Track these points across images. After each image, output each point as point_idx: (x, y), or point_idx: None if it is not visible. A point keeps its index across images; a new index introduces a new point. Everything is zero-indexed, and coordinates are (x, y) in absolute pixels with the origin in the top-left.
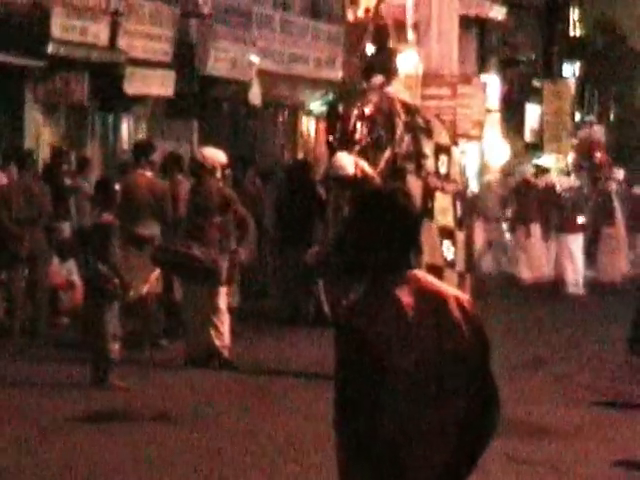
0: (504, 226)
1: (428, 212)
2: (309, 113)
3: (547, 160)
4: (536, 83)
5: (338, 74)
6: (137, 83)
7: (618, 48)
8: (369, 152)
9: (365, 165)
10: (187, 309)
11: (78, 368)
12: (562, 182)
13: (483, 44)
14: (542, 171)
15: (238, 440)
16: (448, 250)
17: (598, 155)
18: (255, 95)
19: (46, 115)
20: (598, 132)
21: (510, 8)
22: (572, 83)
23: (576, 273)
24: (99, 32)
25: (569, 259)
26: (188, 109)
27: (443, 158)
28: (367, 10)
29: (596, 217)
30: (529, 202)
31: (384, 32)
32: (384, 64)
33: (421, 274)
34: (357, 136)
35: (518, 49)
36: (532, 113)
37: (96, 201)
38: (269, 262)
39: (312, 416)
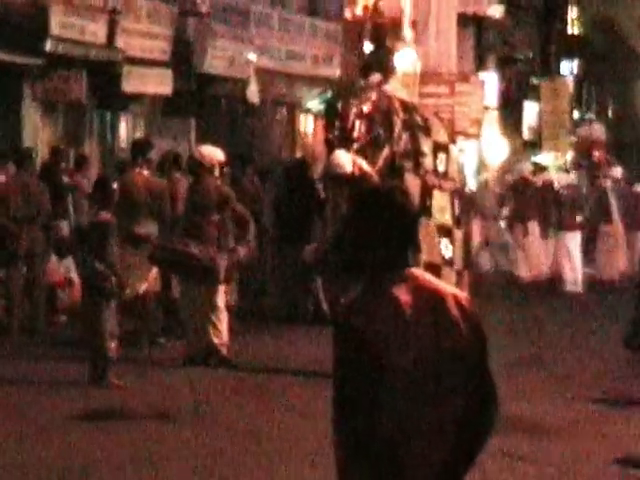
0: (502, 224)
1: (426, 210)
2: (307, 111)
3: (545, 158)
4: (534, 81)
5: (336, 72)
6: (135, 81)
7: (616, 46)
8: (367, 150)
9: (363, 163)
10: (185, 307)
11: (76, 366)
12: (560, 180)
13: (481, 42)
14: (540, 169)
15: (237, 438)
16: (446, 248)
17: (597, 153)
18: (253, 93)
19: (44, 113)
20: (598, 130)
21: (508, 6)
22: (570, 81)
23: (574, 271)
24: (97, 30)
25: (567, 257)
26: (186, 107)
27: (441, 156)
28: (365, 8)
29: (594, 215)
30: (527, 200)
31: (382, 30)
32: (382, 62)
33: (419, 272)
34: (356, 134)
35: (516, 47)
36: (530, 111)
37: (94, 199)
38: (267, 260)
39: (310, 414)
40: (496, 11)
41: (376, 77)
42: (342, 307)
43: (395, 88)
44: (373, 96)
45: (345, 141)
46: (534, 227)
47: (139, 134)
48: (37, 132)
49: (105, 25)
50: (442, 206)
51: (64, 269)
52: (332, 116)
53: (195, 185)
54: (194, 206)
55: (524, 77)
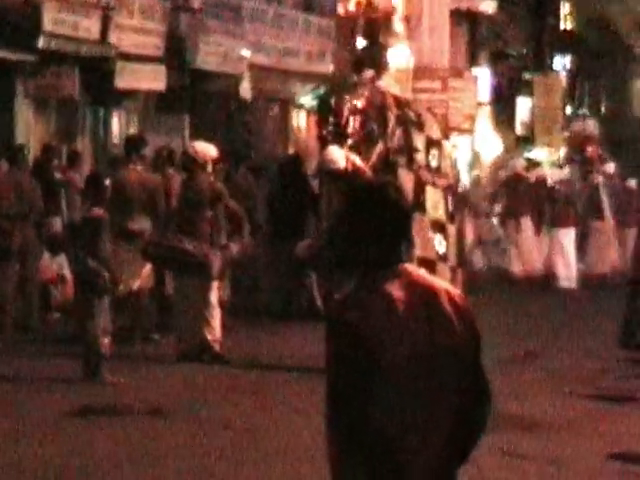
0: (494, 221)
1: (420, 206)
2: (300, 107)
3: (538, 153)
4: (527, 76)
5: (329, 68)
6: (128, 77)
7: (609, 42)
8: (361, 146)
9: (356, 159)
10: (179, 303)
11: (70, 363)
12: (553, 175)
13: (474, 37)
14: (534, 165)
15: (231, 434)
16: (440, 244)
17: (590, 149)
18: (246, 89)
19: (37, 109)
20: (591, 126)
21: (501, 2)
22: (563, 77)
23: (568, 267)
24: (90, 26)
25: (560, 253)
26: (179, 103)
27: (434, 152)
28: (358, 4)
29: (585, 211)
30: (520, 196)
31: (375, 26)
32: (375, 58)
33: (412, 268)
34: (349, 130)
35: (509, 43)
36: (523, 107)
37: (86, 195)
38: (260, 256)
39: (305, 410)
40: (489, 6)
41: (369, 73)
42: (336, 302)
43: (388, 84)
44: (366, 92)
45: (339, 137)
46: (527, 223)
47: (132, 130)
48: (30, 129)
49: (98, 21)
50: (435, 202)
51: (57, 266)
52: (325, 112)
53: (188, 181)
54: (187, 202)
55: (517, 72)
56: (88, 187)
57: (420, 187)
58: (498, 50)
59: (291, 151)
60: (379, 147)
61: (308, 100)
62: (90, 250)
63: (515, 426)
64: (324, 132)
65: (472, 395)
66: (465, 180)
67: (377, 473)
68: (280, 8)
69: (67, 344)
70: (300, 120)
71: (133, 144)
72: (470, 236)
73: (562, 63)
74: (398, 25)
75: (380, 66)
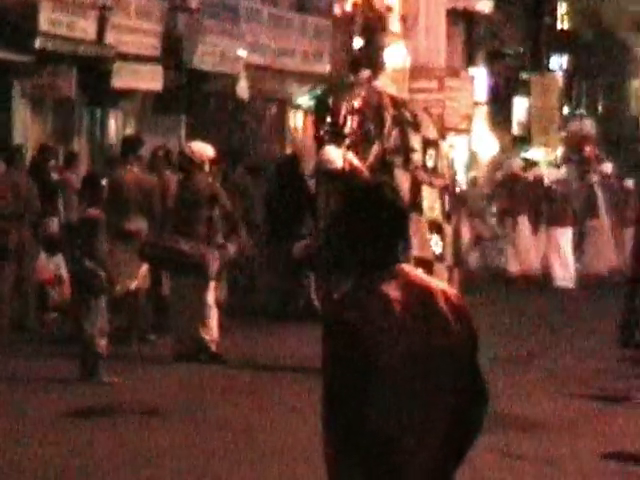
0: (491, 221)
1: (417, 206)
2: (297, 107)
3: (535, 153)
4: (524, 76)
5: (326, 68)
6: (125, 78)
7: (606, 41)
8: (359, 146)
9: (353, 159)
10: (175, 304)
11: (67, 363)
12: (550, 175)
13: (470, 37)
14: (531, 164)
15: (227, 434)
16: (436, 244)
17: (587, 149)
18: (243, 89)
19: (34, 110)
20: (588, 125)
21: (497, 1)
22: (560, 76)
23: (565, 267)
24: (87, 27)
25: (557, 253)
26: (176, 103)
27: (430, 152)
28: (355, 4)
29: (582, 210)
30: (517, 196)
31: (372, 26)
32: (371, 58)
33: (409, 268)
34: (347, 130)
35: (505, 42)
36: (520, 106)
37: (83, 196)
38: (257, 256)
39: (301, 410)
40: (485, 6)
41: (366, 73)
42: (333, 303)
43: (385, 84)
44: (363, 92)
45: (336, 137)
46: (524, 223)
47: (129, 130)
48: (27, 129)
49: (95, 21)
50: (432, 202)
51: (54, 266)
52: (322, 112)
53: (185, 181)
54: (184, 202)
55: (514, 72)
56: (85, 187)
57: (417, 187)
58: (495, 50)
59: (288, 151)
60: (376, 147)
61: (305, 100)
62: (87, 250)
63: (512, 426)
64: (321, 132)
65: (469, 395)
66: (462, 180)
67: (374, 473)
68: (274, 8)
69: (64, 344)
70: (297, 120)
71: (130, 144)
72: (467, 236)
73: (559, 63)
74: (395, 25)
75: (377, 66)
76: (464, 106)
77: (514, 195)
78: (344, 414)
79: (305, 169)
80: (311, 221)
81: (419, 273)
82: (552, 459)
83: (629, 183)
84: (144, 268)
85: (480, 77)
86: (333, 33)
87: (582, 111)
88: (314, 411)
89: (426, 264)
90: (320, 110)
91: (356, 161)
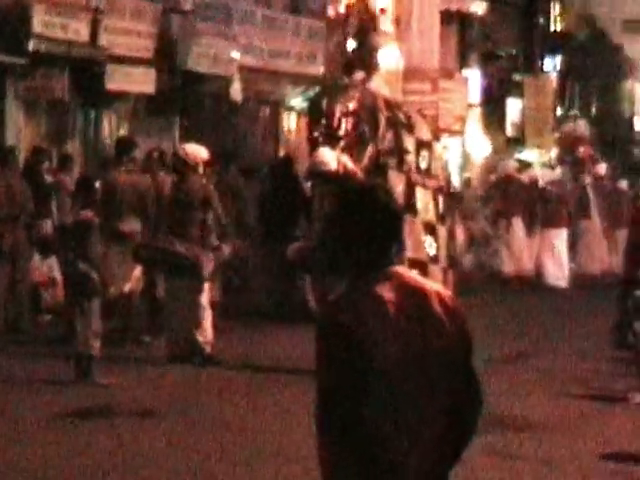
0: (485, 222)
1: (411, 207)
2: (291, 109)
3: (529, 154)
4: (517, 78)
5: (319, 70)
6: (118, 79)
7: (599, 43)
8: (353, 148)
9: (347, 161)
10: (170, 305)
11: (61, 365)
12: (544, 176)
13: (464, 39)
14: (525, 166)
15: (222, 435)
16: (430, 246)
17: (582, 150)
18: (236, 91)
19: (27, 112)
20: (582, 127)
21: (491, 3)
22: (553, 78)
23: (560, 267)
24: (80, 29)
25: (550, 252)
26: (170, 105)
27: (424, 153)
28: (348, 6)
29: (575, 211)
30: (511, 197)
31: (366, 28)
32: (365, 60)
33: (403, 270)
34: (341, 132)
35: (499, 44)
36: (513, 108)
37: (76, 198)
38: (251, 257)
39: (296, 411)
40: (479, 8)
41: (359, 75)
42: (328, 305)
43: (379, 85)
44: (357, 94)
45: (331, 139)
46: (518, 224)
47: (123, 132)
48: (20, 131)
49: (88, 23)
50: (426, 203)
51: (47, 268)
52: (316, 114)
53: (179, 183)
54: (178, 204)
55: (507, 74)
56: (78, 189)
57: (411, 189)
58: (488, 51)
59: (281, 153)
60: (370, 149)
61: (299, 102)
62: (80, 253)
63: (508, 426)
64: (315, 134)
65: (463, 396)
66: (456, 181)
67: (369, 474)
68: (268, 10)
69: (58, 346)
70: (291, 122)
71: (123, 146)
72: (461, 237)
73: (552, 64)
74: (388, 26)
75: (370, 68)
76: (458, 108)
77: (508, 197)
78: (339, 415)
79: (299, 171)
80: (305, 223)
81: (413, 275)
82: (547, 459)
83: (623, 184)
84: (138, 270)
85: (474, 78)
86: (327, 35)
87: (576, 112)
88: (309, 412)
89: (420, 265)
90: (314, 112)
91: (350, 163)
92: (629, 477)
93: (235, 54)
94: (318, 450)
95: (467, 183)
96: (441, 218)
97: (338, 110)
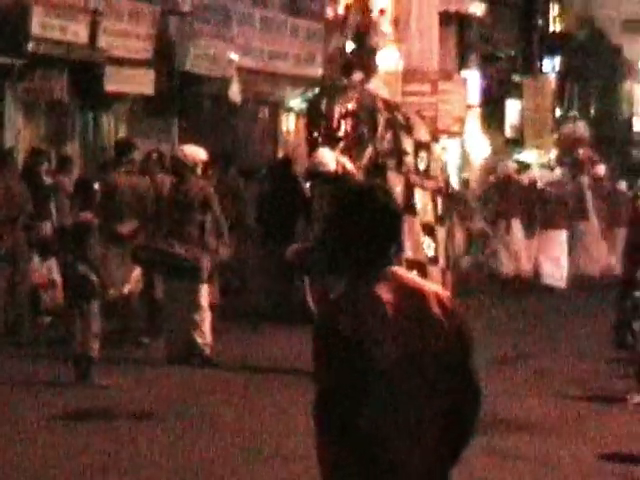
0: (484, 223)
1: (410, 208)
2: (289, 110)
3: (528, 156)
4: (516, 79)
5: (318, 71)
6: (117, 81)
7: (598, 43)
8: (352, 149)
9: (346, 162)
10: (168, 307)
11: (60, 367)
12: (543, 177)
13: (463, 40)
14: (525, 167)
15: (222, 436)
16: (429, 247)
17: (581, 151)
18: (235, 92)
19: (26, 113)
20: (581, 128)
21: (490, 4)
22: (552, 79)
23: (559, 268)
24: (79, 30)
25: (548, 252)
26: (168, 107)
27: (422, 154)
28: (347, 7)
29: (573, 212)
30: (510, 198)
31: (364, 29)
32: (364, 61)
33: (402, 271)
34: (341, 133)
35: (498, 45)
36: (512, 109)
37: (75, 200)
38: (249, 258)
39: (294, 412)
40: (478, 9)
41: (358, 76)
42: (327, 305)
43: (377, 87)
44: (356, 95)
45: (330, 140)
46: (517, 225)
47: (122, 134)
48: (19, 132)
49: (87, 25)
50: (424, 204)
51: (47, 270)
52: (315, 115)
53: (178, 184)
54: (177, 205)
55: (506, 75)
56: (77, 191)
57: (409, 190)
58: (487, 52)
59: (281, 154)
60: (369, 150)
61: (297, 103)
62: (79, 254)
63: (507, 427)
64: (314, 135)
65: (462, 396)
66: (455, 182)
67: (369, 474)
68: (266, 11)
69: (57, 347)
70: (290, 123)
71: (122, 148)
72: (460, 238)
73: (551, 65)
74: (386, 27)
75: (369, 69)
76: (457, 109)
77: (507, 198)
78: (338, 415)
79: (298, 172)
80: (304, 223)
81: (412, 275)
82: (546, 459)
83: (622, 185)
84: (137, 271)
85: (473, 80)
86: (325, 36)
87: (575, 113)
88: (307, 412)
89: (419, 266)
90: (313, 113)
91: (349, 164)
92: (628, 477)
93: (234, 55)
94: (317, 450)
95: (466, 184)
96: (440, 219)
97: (337, 111)
